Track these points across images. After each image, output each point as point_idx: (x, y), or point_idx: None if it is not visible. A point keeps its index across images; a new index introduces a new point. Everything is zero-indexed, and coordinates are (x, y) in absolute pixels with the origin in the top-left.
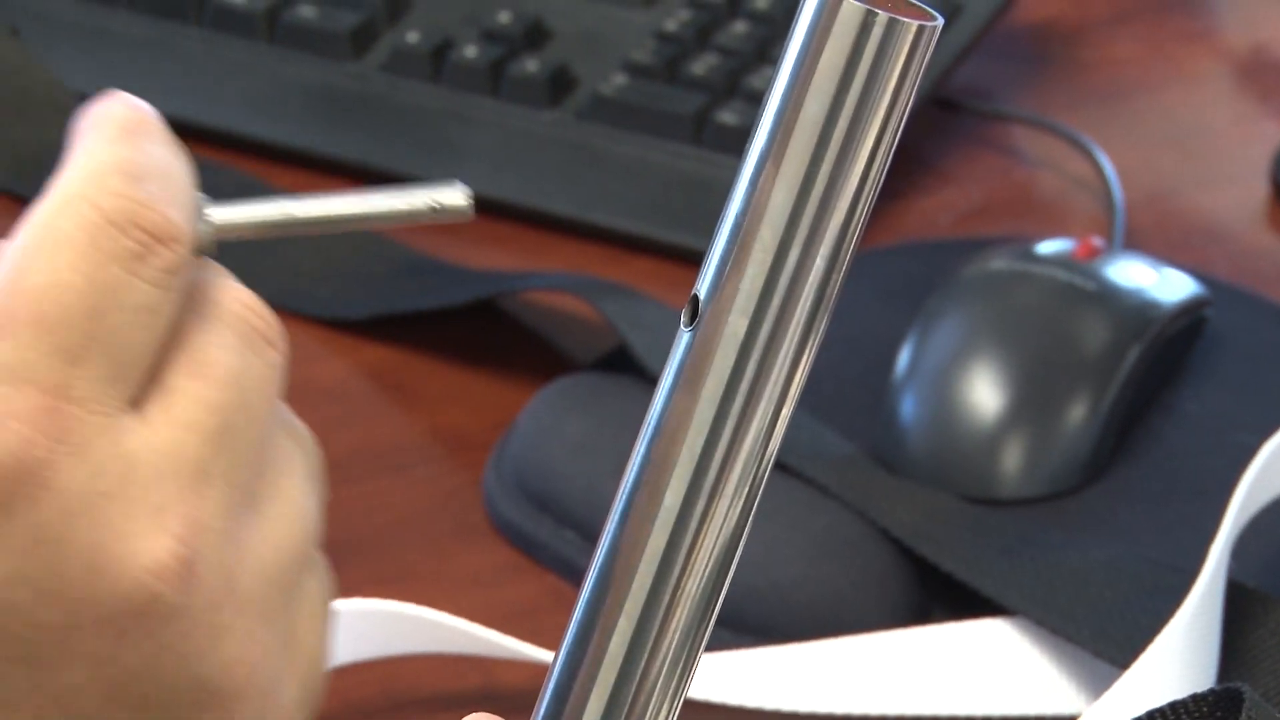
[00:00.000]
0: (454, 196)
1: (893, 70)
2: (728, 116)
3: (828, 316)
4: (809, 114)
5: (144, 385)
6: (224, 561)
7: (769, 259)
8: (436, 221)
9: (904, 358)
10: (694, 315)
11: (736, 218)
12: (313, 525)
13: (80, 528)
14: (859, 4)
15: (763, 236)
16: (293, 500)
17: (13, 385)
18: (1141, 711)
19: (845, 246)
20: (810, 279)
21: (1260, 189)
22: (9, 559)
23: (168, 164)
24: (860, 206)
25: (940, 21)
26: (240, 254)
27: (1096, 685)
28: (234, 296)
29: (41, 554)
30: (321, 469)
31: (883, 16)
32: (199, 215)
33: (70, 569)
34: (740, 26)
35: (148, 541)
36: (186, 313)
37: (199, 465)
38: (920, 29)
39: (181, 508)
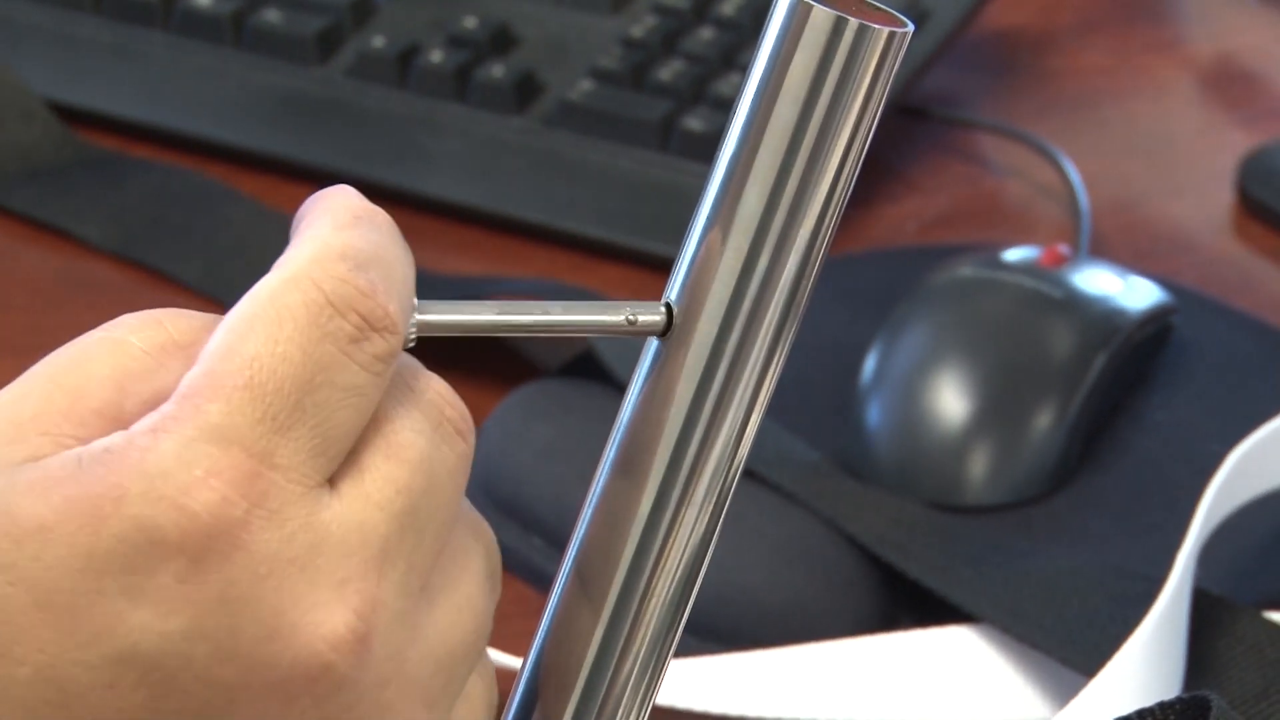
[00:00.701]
0: (651, 314)
1: (864, 75)
2: (694, 123)
3: (798, 322)
4: (780, 119)
5: (342, 463)
6: (397, 642)
7: (740, 264)
8: (630, 334)
9: (870, 365)
10: (668, 325)
11: (707, 223)
12: (485, 623)
13: (266, 590)
14: (830, 10)
15: (734, 242)
16: (468, 594)
17: (219, 446)
18: (1108, 719)
19: (816, 250)
20: (781, 284)
21: (1226, 197)
22: (193, 613)
23: (392, 255)
24: (830, 212)
25: (911, 28)
26: (211, 256)
27: (1063, 693)
28: (431, 385)
29: (225, 612)
30: (499, 570)
31: (853, 22)
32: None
33: (250, 629)
34: (707, 33)
35: (328, 612)
36: (387, 398)
37: (385, 544)
38: (891, 35)
39: (363, 584)
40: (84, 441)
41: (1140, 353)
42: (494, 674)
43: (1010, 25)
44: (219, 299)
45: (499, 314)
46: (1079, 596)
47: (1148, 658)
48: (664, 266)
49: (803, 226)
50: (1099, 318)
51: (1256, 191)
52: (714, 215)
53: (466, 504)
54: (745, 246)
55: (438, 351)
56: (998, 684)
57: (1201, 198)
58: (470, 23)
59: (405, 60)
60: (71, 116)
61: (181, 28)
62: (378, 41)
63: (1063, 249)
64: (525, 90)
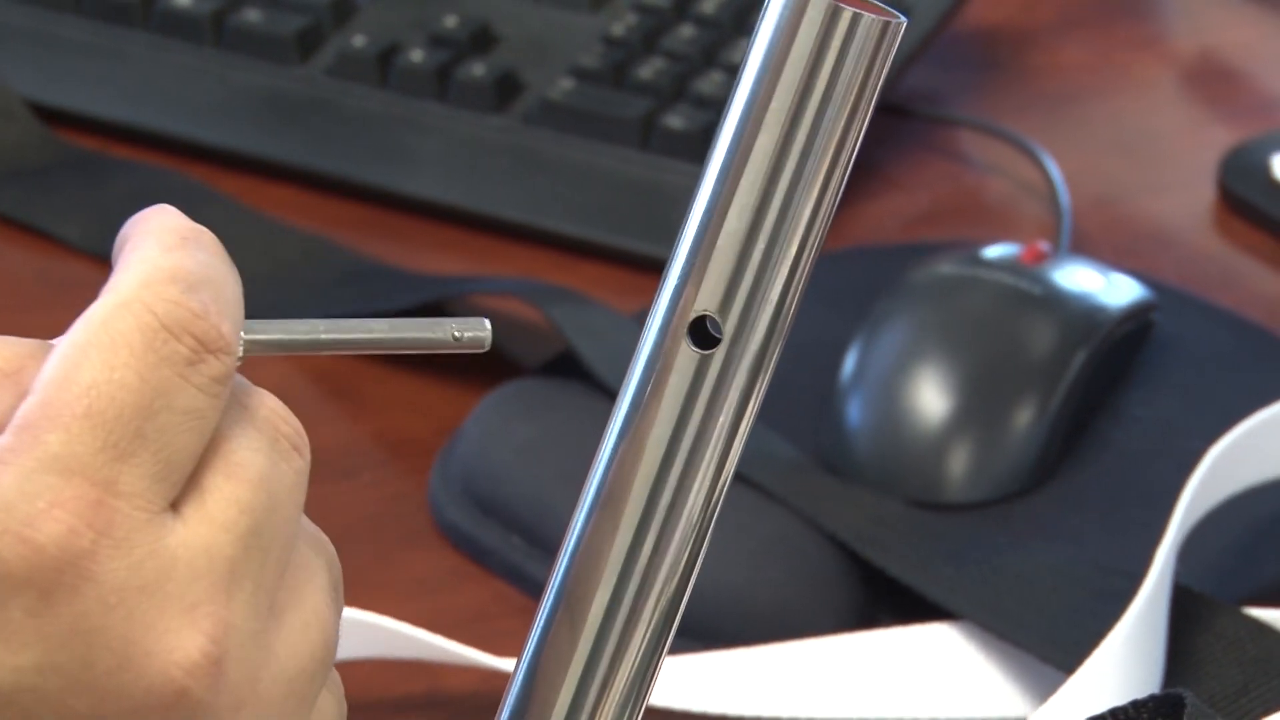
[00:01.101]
0: (475, 330)
1: (859, 65)
2: (675, 121)
3: (789, 326)
4: (776, 107)
5: (183, 486)
6: (250, 662)
7: (737, 253)
8: (454, 351)
9: (850, 362)
10: (706, 336)
11: (705, 212)
12: (332, 636)
13: (116, 620)
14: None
15: (732, 228)
16: (314, 609)
17: (61, 476)
18: (1084, 717)
19: (813, 240)
20: (778, 275)
21: (1207, 194)
22: (44, 647)
23: (221, 275)
24: (825, 206)
25: (905, 20)
26: None
27: (1043, 689)
28: (264, 402)
29: (76, 644)
30: (341, 583)
31: (848, 11)
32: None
33: (102, 660)
34: (687, 31)
35: (179, 638)
36: (224, 419)
37: (231, 565)
38: (886, 24)
39: (213, 607)
40: None
41: (1121, 349)
42: (342, 689)
43: (991, 22)
44: None
45: (326, 333)
46: (1059, 593)
47: (1126, 654)
48: (644, 264)
49: (800, 216)
50: (1079, 314)
51: (1238, 188)
52: (712, 204)
53: (305, 519)
54: (741, 238)
55: (414, 353)
56: (977, 681)
57: (1183, 194)
58: (451, 22)
59: (386, 59)
60: (52, 116)
61: (161, 27)
62: (358, 41)
63: (1043, 246)
64: (506, 89)
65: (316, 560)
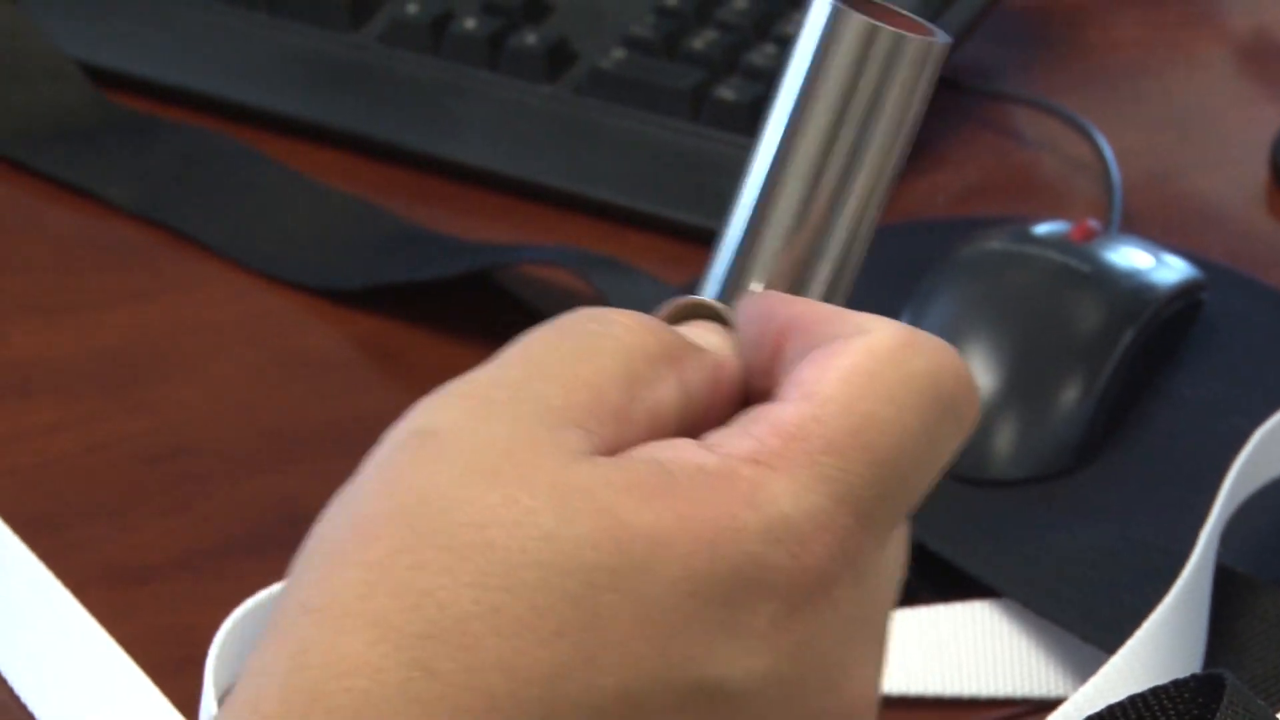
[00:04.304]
0: None
1: (899, 85)
2: (726, 93)
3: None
4: (816, 124)
5: None
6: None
7: (774, 268)
8: None
9: None
10: None
11: (747, 225)
12: None
13: (838, 644)
14: (867, 19)
15: (769, 244)
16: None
17: (833, 501)
18: (1124, 696)
19: (854, 252)
20: (817, 279)
21: (1259, 173)
22: (775, 657)
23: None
24: (864, 223)
25: (947, 40)
26: (238, 220)
27: (1083, 669)
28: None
29: (801, 660)
30: None
31: (888, 31)
32: None
33: (815, 680)
34: (741, 2)
35: (871, 670)
36: None
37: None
38: (929, 45)
39: (886, 643)
40: (605, 440)
41: (1169, 328)
42: None
43: None
44: (244, 263)
45: None
46: (1101, 572)
47: (1168, 635)
48: (693, 236)
49: (836, 235)
50: (1127, 293)
51: None
52: (751, 219)
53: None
54: (779, 251)
55: (460, 320)
56: (1017, 659)
57: (1235, 173)
58: None
59: (439, 27)
60: (102, 78)
61: None
62: (411, 8)
63: (1093, 223)
64: (558, 58)
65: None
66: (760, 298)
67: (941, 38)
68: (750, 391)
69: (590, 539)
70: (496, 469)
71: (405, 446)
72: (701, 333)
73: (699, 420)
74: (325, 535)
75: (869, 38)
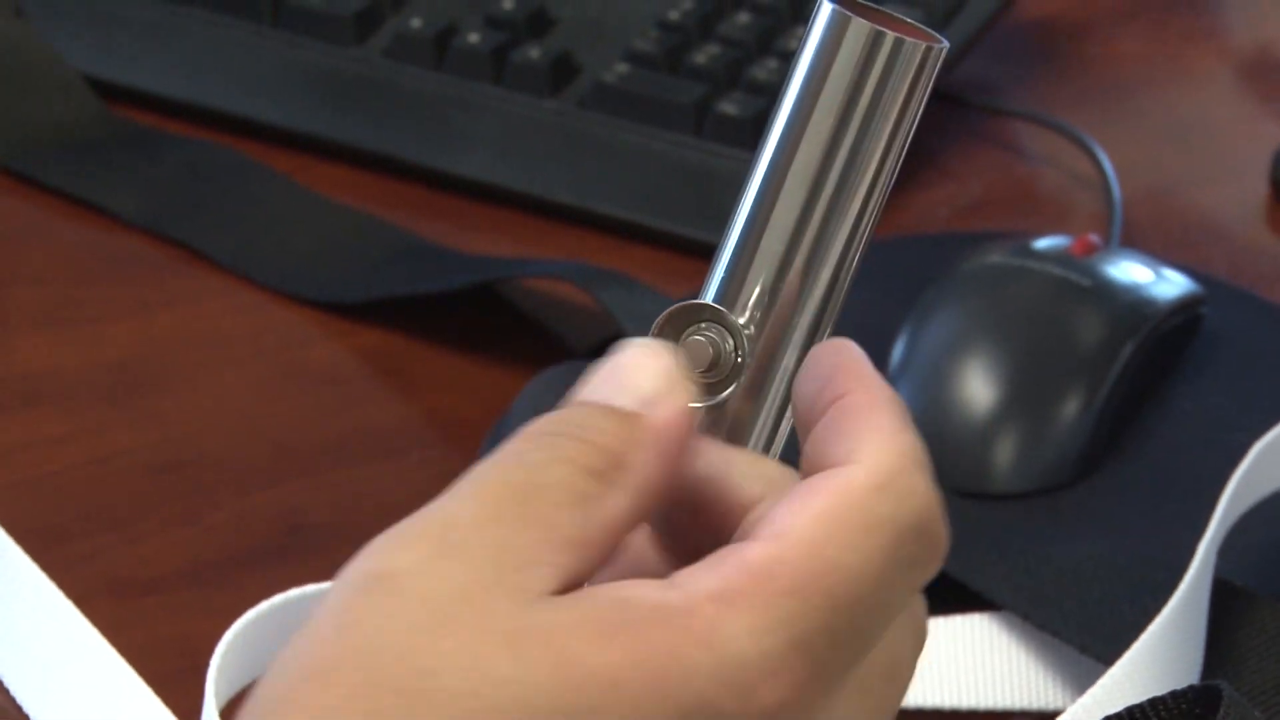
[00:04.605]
0: None
1: (900, 88)
2: (729, 107)
3: (832, 326)
4: (818, 128)
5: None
6: None
7: (775, 270)
8: None
9: (898, 351)
10: None
11: (744, 230)
12: None
13: None
14: (869, 23)
15: (770, 247)
16: None
17: (792, 648)
18: (1121, 708)
19: (850, 257)
20: (816, 288)
21: (1260, 188)
22: None
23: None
24: (864, 225)
25: (946, 44)
26: (244, 234)
27: (1082, 680)
28: (922, 609)
29: None
30: None
31: (890, 36)
32: None
33: None
34: (743, 17)
35: None
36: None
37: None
38: (928, 49)
39: None
40: (566, 570)
41: (1169, 342)
42: None
43: (1047, 13)
44: (250, 277)
45: None
46: (1100, 584)
47: (1166, 647)
48: (695, 250)
49: (838, 235)
50: (1128, 307)
51: None
52: (751, 222)
53: None
54: (780, 252)
55: (464, 333)
56: (1017, 671)
57: (1235, 188)
58: (507, 4)
59: (442, 41)
60: (109, 92)
61: (220, 5)
62: (415, 22)
63: (1093, 238)
64: (561, 72)
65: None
66: (828, 350)
67: (940, 41)
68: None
69: (545, 684)
70: (452, 615)
71: (361, 589)
72: (650, 379)
73: (655, 490)
74: (279, 677)
75: (872, 42)
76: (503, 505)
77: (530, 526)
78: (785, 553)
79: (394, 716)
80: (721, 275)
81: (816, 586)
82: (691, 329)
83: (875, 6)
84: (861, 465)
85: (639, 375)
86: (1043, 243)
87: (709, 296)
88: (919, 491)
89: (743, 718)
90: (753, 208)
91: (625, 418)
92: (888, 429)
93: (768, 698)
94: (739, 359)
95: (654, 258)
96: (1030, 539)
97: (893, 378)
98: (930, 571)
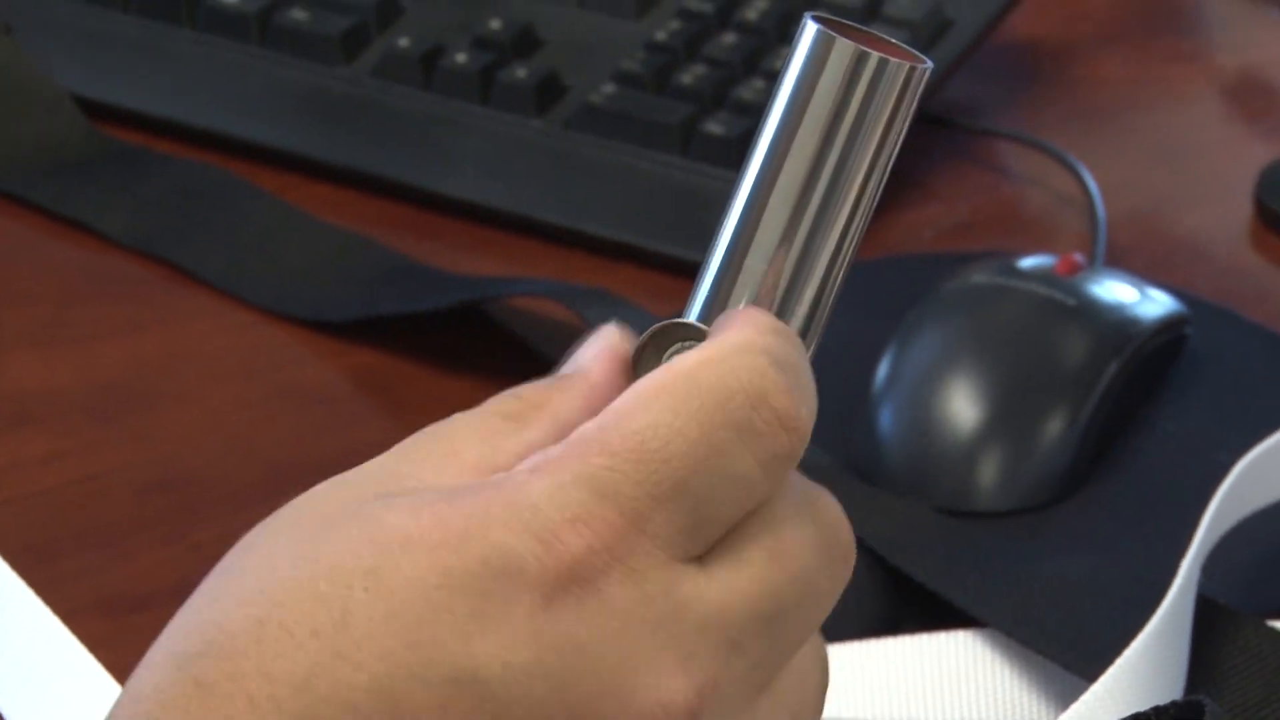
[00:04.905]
0: None
1: (884, 108)
2: (715, 127)
3: (817, 340)
4: (802, 147)
5: (714, 546)
6: None
7: (756, 289)
8: None
9: (883, 369)
10: None
11: (729, 247)
12: None
13: (613, 644)
14: (853, 43)
15: (753, 265)
16: (797, 714)
17: (594, 497)
18: None
19: (835, 273)
20: (801, 305)
21: (1244, 209)
22: (538, 650)
23: (805, 371)
24: (848, 243)
25: (929, 65)
26: (233, 253)
27: (1066, 698)
28: (832, 510)
29: (570, 655)
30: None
31: (875, 56)
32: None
33: (588, 680)
34: (730, 38)
35: (668, 680)
36: (784, 501)
37: (740, 635)
38: (911, 69)
39: (710, 663)
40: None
41: (1153, 362)
42: None
43: (1032, 35)
44: (240, 296)
45: None
46: (1084, 602)
47: (1149, 664)
48: (682, 270)
49: (821, 254)
50: (1112, 326)
51: (1275, 203)
52: (735, 241)
53: (817, 634)
54: (763, 271)
55: (453, 353)
56: (1001, 689)
57: (1219, 209)
58: (495, 24)
59: (430, 61)
60: (97, 111)
61: (208, 25)
62: (403, 42)
63: (1078, 257)
64: (548, 92)
65: (814, 674)
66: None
67: (924, 62)
68: None
69: (349, 546)
70: (318, 522)
71: (266, 521)
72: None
73: (574, 425)
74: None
75: (856, 62)
76: (409, 448)
77: (429, 459)
78: (602, 419)
79: (226, 596)
80: (705, 294)
81: (624, 445)
82: (674, 348)
83: (859, 26)
84: (699, 349)
85: (582, 350)
86: (1027, 262)
87: (692, 315)
88: (755, 367)
89: (546, 563)
90: (736, 227)
91: (557, 378)
92: (735, 331)
93: (572, 544)
94: None
95: (640, 277)
96: (1014, 557)
97: (877, 396)
98: (774, 443)
